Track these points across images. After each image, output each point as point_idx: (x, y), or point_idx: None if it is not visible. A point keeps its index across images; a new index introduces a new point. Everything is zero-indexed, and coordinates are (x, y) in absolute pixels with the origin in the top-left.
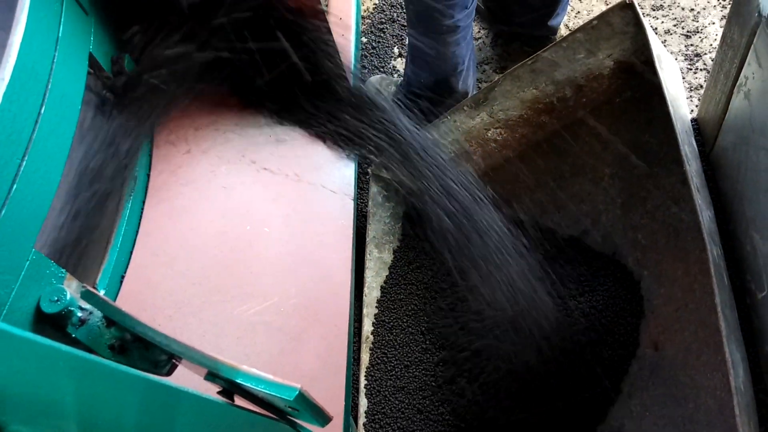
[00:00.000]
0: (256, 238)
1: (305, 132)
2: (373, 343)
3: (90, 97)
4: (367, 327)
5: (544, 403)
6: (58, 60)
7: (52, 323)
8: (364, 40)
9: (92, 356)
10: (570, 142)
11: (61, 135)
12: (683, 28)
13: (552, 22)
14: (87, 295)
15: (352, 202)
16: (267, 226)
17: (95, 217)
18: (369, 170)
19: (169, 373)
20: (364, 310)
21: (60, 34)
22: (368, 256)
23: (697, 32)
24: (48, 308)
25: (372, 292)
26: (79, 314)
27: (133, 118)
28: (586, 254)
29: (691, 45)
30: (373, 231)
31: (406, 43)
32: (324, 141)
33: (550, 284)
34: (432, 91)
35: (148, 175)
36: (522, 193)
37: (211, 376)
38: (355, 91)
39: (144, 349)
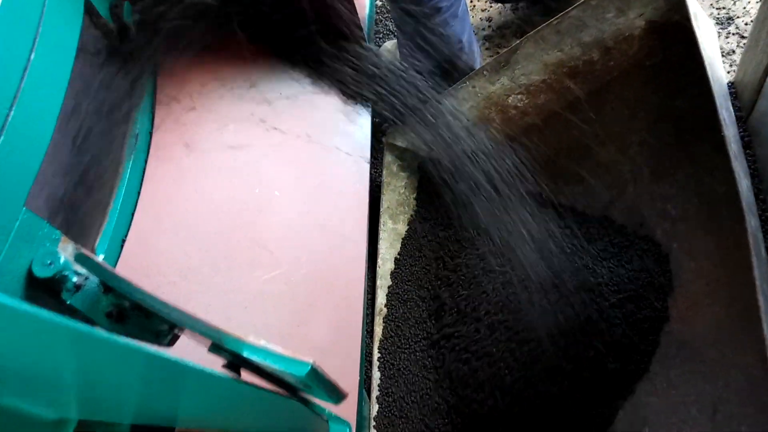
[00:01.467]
0: (266, 202)
1: (318, 90)
2: (386, 316)
3: (86, 46)
4: (381, 299)
5: (565, 378)
6: (50, 2)
7: (46, 288)
8: (379, 3)
9: (88, 328)
10: (596, 109)
11: (54, 85)
12: None
13: None
14: (81, 259)
15: (368, 165)
16: (277, 190)
17: (93, 177)
18: (383, 139)
19: (170, 344)
20: (378, 282)
21: None
22: (382, 226)
23: None
24: (40, 272)
25: (386, 264)
26: (75, 279)
27: (132, 70)
28: (611, 227)
29: (723, 8)
30: (387, 201)
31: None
32: (342, 93)
33: (575, 255)
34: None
35: (151, 134)
36: (544, 162)
37: (216, 348)
38: (371, 51)
39: (144, 318)
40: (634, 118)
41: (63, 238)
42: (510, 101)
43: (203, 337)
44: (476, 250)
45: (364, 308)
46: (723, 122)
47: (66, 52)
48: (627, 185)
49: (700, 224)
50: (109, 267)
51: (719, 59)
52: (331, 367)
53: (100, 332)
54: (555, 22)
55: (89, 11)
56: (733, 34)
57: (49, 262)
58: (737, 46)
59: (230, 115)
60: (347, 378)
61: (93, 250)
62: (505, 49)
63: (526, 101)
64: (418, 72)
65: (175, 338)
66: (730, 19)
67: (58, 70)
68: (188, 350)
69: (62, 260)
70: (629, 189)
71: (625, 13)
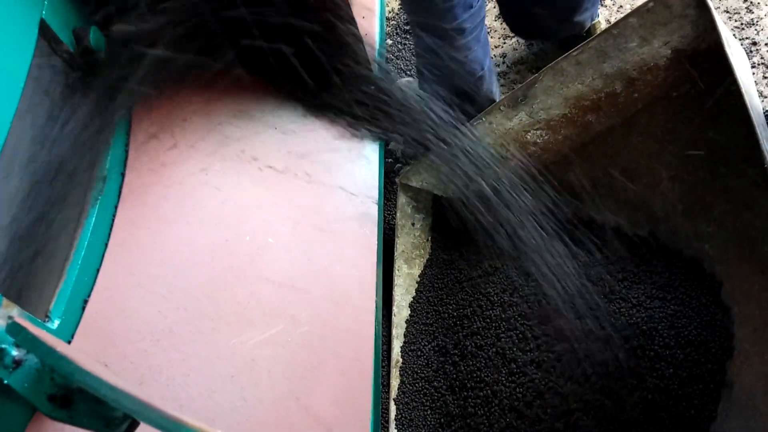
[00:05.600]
0: (258, 252)
1: (319, 123)
2: (402, 367)
3: (44, 76)
4: (397, 350)
5: None
6: None
7: None
8: (389, 42)
9: None
10: (621, 143)
11: None
12: (737, 21)
13: (579, 18)
14: (12, 329)
15: (376, 206)
16: (271, 237)
17: (49, 226)
18: (396, 180)
19: None
20: (393, 332)
21: None
22: (397, 272)
23: (753, 24)
24: None
25: (402, 312)
26: (14, 353)
27: (102, 104)
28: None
29: (746, 38)
30: (402, 245)
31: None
32: (351, 127)
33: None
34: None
35: (123, 175)
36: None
37: None
38: (384, 79)
39: (93, 402)
40: (663, 152)
41: (4, 301)
42: (529, 137)
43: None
44: (501, 293)
45: (375, 373)
46: (765, 153)
47: (13, 80)
48: (659, 225)
49: (741, 265)
50: (50, 339)
51: (753, 87)
52: None
53: None
54: (575, 53)
55: (46, 36)
56: (759, 64)
57: None
58: (763, 75)
59: (217, 153)
60: None
61: (47, 315)
62: (523, 84)
63: (545, 137)
64: (438, 100)
65: (133, 427)
66: (755, 44)
67: (2, 99)
68: None
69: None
70: (661, 228)
71: (649, 42)
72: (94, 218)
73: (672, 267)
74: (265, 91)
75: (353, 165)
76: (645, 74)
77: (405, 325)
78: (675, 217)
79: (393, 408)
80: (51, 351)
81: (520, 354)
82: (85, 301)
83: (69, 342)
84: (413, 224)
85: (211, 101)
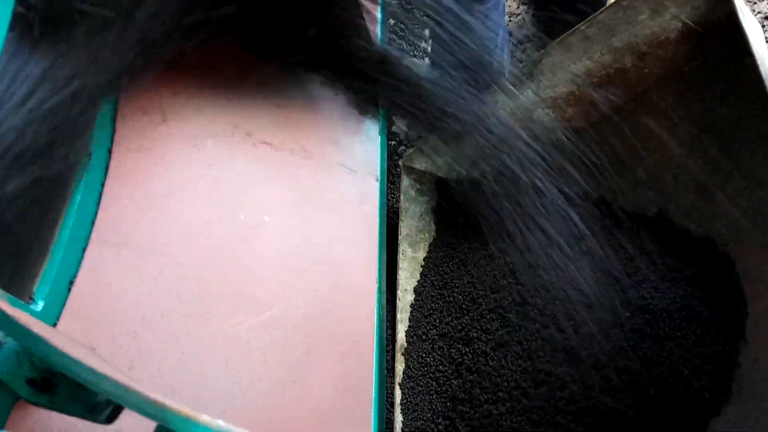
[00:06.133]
0: (253, 231)
1: (318, 96)
2: (406, 351)
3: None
4: (401, 334)
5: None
6: None
7: None
8: (392, 21)
9: None
10: (631, 121)
11: None
12: None
13: None
14: None
15: (378, 183)
16: (267, 215)
17: (30, 203)
18: (400, 162)
19: (109, 421)
20: (398, 316)
21: None
22: (401, 255)
23: None
24: None
25: (406, 296)
26: None
27: (88, 74)
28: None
29: (759, 13)
30: (406, 228)
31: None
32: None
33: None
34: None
35: (110, 151)
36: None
37: (163, 430)
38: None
39: (76, 387)
40: (674, 130)
41: None
42: (535, 116)
43: (144, 415)
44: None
45: (378, 355)
46: None
47: None
48: (668, 204)
49: (755, 243)
50: (28, 320)
51: None
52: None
53: None
54: (582, 28)
55: None
56: None
57: None
58: None
59: (209, 128)
60: None
61: (30, 297)
62: (529, 60)
63: (552, 115)
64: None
65: (116, 413)
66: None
67: None
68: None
69: None
70: (671, 208)
71: (660, 15)
72: (80, 196)
73: (683, 247)
74: (260, 64)
75: (353, 140)
76: (655, 48)
77: (410, 310)
78: (686, 195)
79: (398, 393)
80: (27, 332)
81: (527, 337)
82: (71, 283)
83: (54, 325)
84: (417, 207)
85: (202, 73)
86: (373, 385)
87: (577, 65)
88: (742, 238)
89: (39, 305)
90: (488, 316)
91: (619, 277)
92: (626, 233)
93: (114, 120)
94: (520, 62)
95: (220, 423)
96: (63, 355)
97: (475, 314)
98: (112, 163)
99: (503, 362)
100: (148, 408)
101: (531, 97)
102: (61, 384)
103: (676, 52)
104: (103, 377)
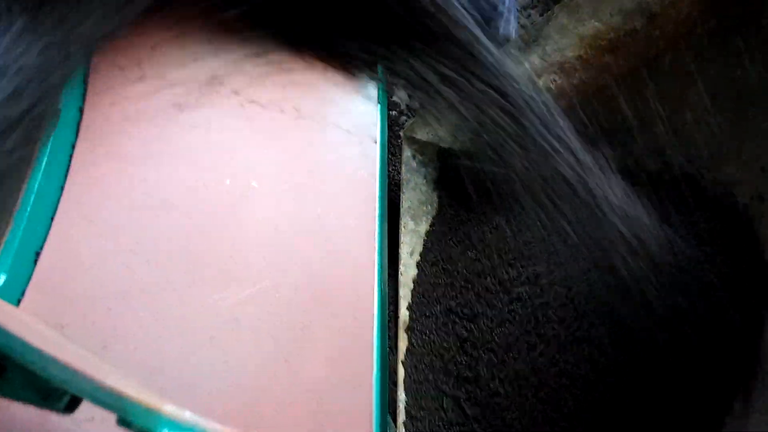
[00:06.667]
0: (240, 197)
1: (309, 52)
2: (409, 327)
3: None
4: (404, 310)
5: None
6: None
7: None
8: None
9: None
10: (641, 85)
11: None
12: None
13: None
14: None
15: (377, 146)
16: (255, 180)
17: None
18: (401, 133)
19: (69, 410)
20: (401, 292)
21: None
22: (403, 229)
23: None
24: None
25: (408, 270)
26: None
27: (55, 25)
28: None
29: None
30: (407, 200)
31: None
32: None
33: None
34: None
35: (81, 110)
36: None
37: (124, 422)
38: None
39: (28, 371)
40: (687, 94)
41: None
42: (541, 82)
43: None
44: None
45: (379, 332)
46: None
47: None
48: (683, 170)
49: None
50: None
51: None
52: (332, 413)
53: None
54: None
55: None
56: None
57: None
58: None
59: (192, 86)
60: (356, 428)
61: None
62: (535, 23)
63: (559, 81)
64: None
65: (75, 402)
66: None
67: None
68: None
69: None
70: (685, 173)
71: None
72: (46, 158)
73: (702, 208)
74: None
75: (350, 99)
76: (667, 8)
77: (412, 285)
78: (700, 162)
79: (401, 370)
80: None
81: (535, 313)
82: (37, 254)
83: (18, 301)
84: (419, 179)
85: (185, 26)
86: (374, 364)
87: (586, 27)
88: (758, 206)
89: (0, 279)
90: (494, 291)
91: (634, 246)
92: (645, 197)
93: (86, 75)
94: (523, 28)
95: (187, 415)
96: (5, 335)
97: (481, 289)
98: (83, 123)
99: (509, 339)
100: (101, 396)
101: (537, 62)
102: (14, 369)
103: (689, 12)
104: (50, 359)
